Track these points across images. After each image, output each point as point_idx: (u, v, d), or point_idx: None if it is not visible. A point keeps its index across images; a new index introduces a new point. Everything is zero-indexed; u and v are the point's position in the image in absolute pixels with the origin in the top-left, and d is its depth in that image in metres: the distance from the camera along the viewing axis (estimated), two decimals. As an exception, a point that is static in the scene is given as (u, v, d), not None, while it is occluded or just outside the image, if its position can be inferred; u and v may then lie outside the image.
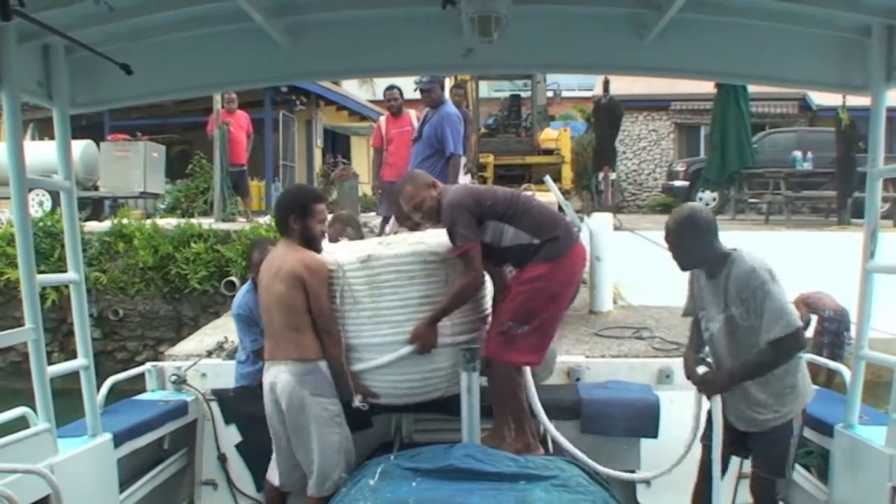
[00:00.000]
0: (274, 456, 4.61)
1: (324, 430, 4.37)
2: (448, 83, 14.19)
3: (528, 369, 4.59)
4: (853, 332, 9.02)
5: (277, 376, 4.37)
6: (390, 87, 9.57)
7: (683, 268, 4.11)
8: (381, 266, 4.37)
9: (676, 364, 5.46)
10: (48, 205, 14.32)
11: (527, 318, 4.36)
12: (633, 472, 5.16)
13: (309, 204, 4.53)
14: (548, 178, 9.50)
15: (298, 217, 4.46)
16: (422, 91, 8.19)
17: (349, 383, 4.42)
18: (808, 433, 4.69)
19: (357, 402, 4.45)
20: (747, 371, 3.88)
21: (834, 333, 9.07)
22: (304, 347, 4.37)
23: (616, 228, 9.77)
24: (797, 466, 4.87)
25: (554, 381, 5.42)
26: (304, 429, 4.38)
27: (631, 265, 8.83)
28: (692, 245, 3.97)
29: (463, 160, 8.63)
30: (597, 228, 8.09)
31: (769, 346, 3.75)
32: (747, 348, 3.89)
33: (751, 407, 4.00)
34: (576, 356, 6.00)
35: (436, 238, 4.55)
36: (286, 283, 4.35)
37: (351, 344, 4.47)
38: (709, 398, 4.06)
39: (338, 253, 4.59)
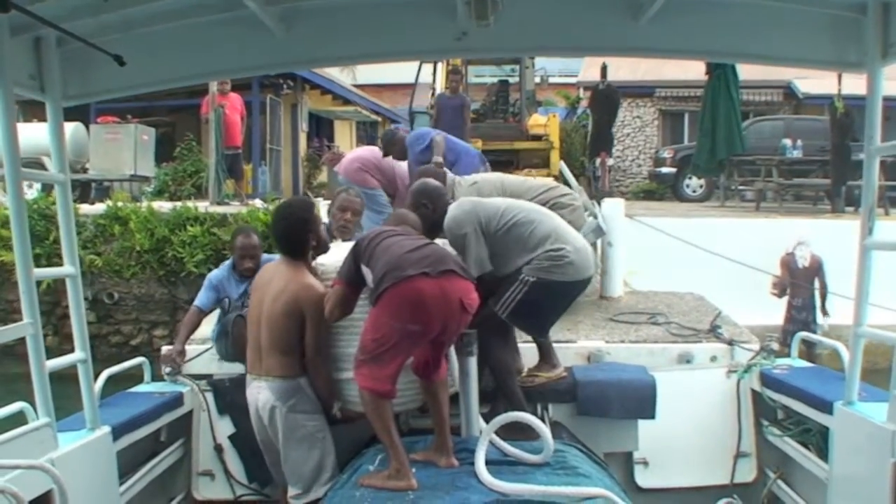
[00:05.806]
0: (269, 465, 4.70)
1: (301, 448, 4.39)
2: (441, 68, 14.27)
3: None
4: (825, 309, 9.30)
5: (259, 393, 4.41)
6: None
7: None
8: None
9: (696, 348, 5.72)
10: (38, 185, 14.08)
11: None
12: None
13: (313, 217, 4.61)
14: (562, 164, 9.92)
15: (314, 233, 4.53)
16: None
17: (330, 402, 4.46)
18: (807, 411, 4.73)
19: (335, 410, 4.49)
20: None
21: (802, 322, 9.23)
22: (287, 366, 4.40)
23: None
24: (796, 444, 4.93)
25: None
26: (285, 444, 4.40)
27: (633, 251, 8.88)
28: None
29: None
30: (609, 214, 8.11)
31: None
32: None
33: None
34: (595, 341, 6.02)
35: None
36: (285, 309, 4.36)
37: (332, 353, 4.50)
38: None
39: (329, 257, 4.64)
